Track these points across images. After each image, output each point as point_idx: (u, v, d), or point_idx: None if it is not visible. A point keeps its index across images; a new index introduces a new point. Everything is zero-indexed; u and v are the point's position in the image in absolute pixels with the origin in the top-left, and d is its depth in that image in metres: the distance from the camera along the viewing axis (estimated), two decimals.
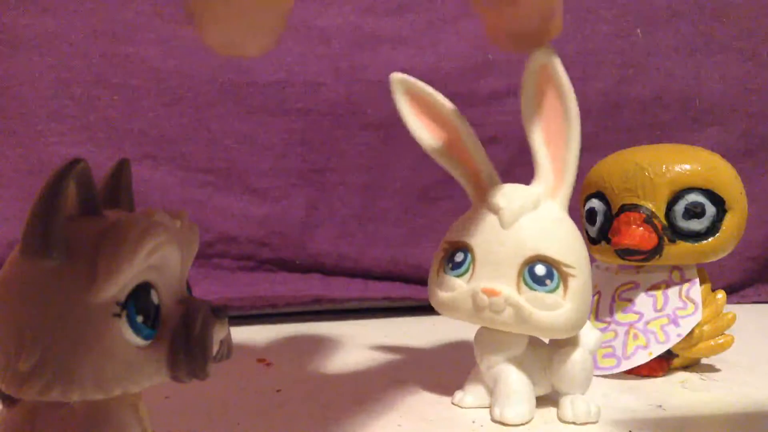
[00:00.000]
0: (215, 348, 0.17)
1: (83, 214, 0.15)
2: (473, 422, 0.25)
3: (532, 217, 0.24)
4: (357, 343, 0.39)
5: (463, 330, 0.34)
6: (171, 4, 0.46)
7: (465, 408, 0.26)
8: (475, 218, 0.26)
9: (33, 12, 0.44)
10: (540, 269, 0.24)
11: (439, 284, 0.26)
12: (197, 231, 0.18)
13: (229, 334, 0.17)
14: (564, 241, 0.24)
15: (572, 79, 0.56)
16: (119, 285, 0.14)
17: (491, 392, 0.26)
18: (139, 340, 0.15)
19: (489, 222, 0.25)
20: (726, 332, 0.31)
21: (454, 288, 0.25)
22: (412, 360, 0.34)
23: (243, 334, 0.42)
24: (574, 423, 0.24)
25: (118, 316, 0.15)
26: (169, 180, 0.46)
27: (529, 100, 0.25)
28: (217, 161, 0.46)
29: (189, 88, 0.46)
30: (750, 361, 0.32)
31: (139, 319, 0.15)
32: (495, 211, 0.25)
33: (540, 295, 0.23)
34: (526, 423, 0.24)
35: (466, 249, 0.25)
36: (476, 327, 0.27)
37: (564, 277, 0.24)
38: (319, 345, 0.39)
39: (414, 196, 0.48)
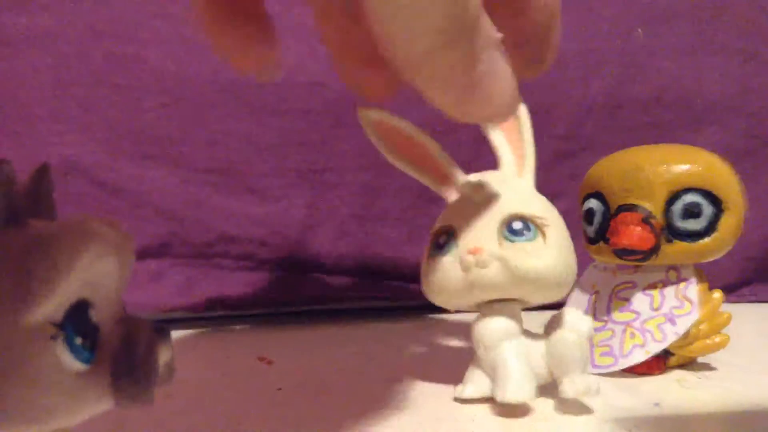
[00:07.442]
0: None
1: (5, 223, 0.13)
2: (473, 420, 0.25)
3: (502, 189, 0.27)
4: (357, 342, 0.39)
5: (463, 330, 0.34)
6: (172, 4, 0.46)
7: (466, 398, 0.27)
8: (451, 206, 0.28)
9: (33, 11, 0.44)
10: (517, 224, 0.26)
11: (430, 269, 0.27)
12: (133, 241, 0.16)
13: (172, 355, 0.16)
14: (535, 201, 0.27)
15: (573, 79, 0.56)
16: (55, 303, 0.13)
17: (491, 380, 0.26)
18: (78, 365, 0.13)
19: (464, 203, 0.27)
20: (722, 331, 0.31)
21: (443, 266, 0.26)
22: (411, 358, 0.35)
23: (244, 333, 0.43)
24: (575, 402, 0.25)
25: (55, 338, 0.13)
26: (169, 180, 0.46)
27: None
28: (217, 161, 0.47)
29: (189, 88, 0.46)
30: (745, 360, 0.33)
31: (78, 340, 0.13)
32: (468, 194, 0.27)
33: (521, 244, 0.25)
34: (529, 401, 0.25)
35: (447, 230, 0.27)
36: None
37: (540, 228, 0.26)
38: (319, 344, 0.40)
39: (414, 196, 0.48)
